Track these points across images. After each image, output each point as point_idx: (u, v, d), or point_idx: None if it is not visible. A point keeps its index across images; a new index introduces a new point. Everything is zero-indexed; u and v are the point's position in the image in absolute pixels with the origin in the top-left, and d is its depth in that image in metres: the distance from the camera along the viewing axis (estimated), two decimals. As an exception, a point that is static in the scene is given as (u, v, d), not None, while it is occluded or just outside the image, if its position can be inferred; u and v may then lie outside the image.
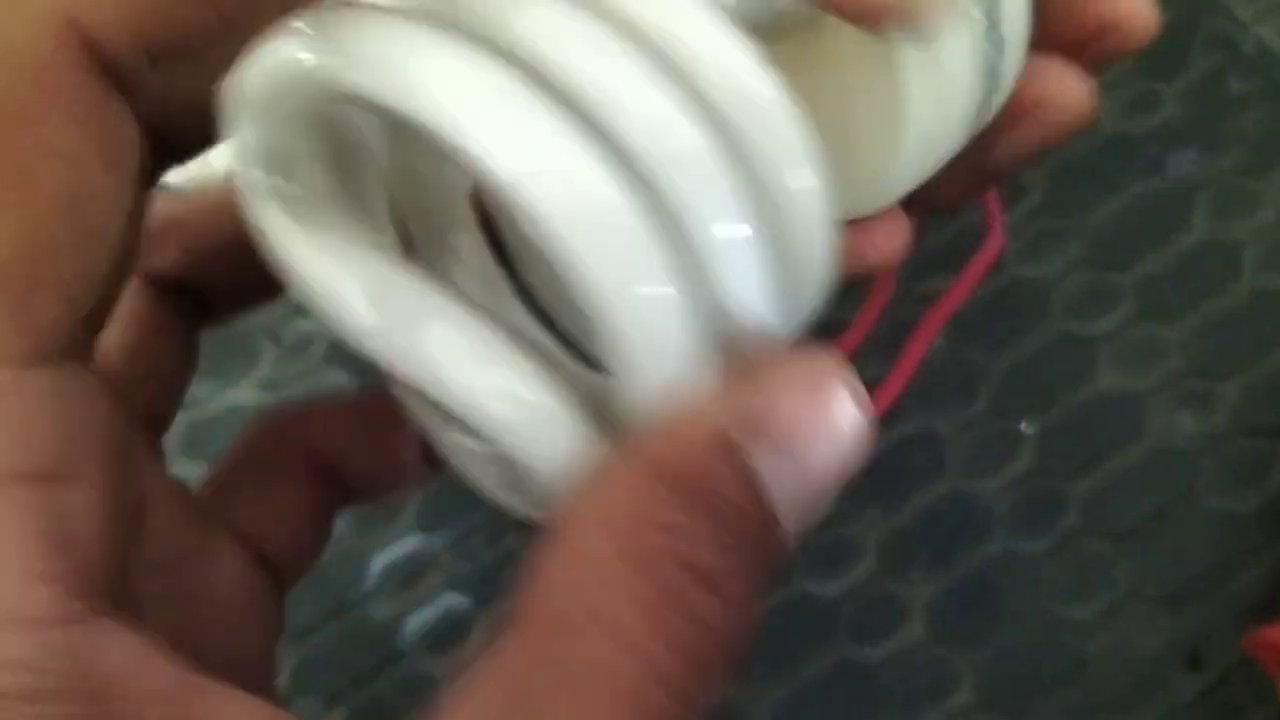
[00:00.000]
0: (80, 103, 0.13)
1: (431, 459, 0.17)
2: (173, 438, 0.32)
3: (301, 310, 0.32)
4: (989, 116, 0.17)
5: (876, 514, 0.29)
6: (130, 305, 0.17)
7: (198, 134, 0.14)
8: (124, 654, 0.12)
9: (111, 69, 0.13)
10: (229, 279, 0.18)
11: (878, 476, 0.29)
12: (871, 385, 0.29)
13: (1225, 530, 0.28)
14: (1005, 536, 0.29)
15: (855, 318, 0.31)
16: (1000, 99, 0.17)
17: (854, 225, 0.17)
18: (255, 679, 0.17)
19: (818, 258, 0.13)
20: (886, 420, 0.30)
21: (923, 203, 0.18)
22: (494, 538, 0.29)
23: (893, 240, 0.18)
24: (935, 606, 0.28)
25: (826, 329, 0.29)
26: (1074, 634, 0.28)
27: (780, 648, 0.28)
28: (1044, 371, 0.30)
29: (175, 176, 0.15)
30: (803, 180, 0.13)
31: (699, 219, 0.12)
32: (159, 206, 0.15)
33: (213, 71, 0.13)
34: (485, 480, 0.16)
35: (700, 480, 0.11)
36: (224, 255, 0.18)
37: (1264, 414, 0.29)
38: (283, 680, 0.28)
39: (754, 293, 0.12)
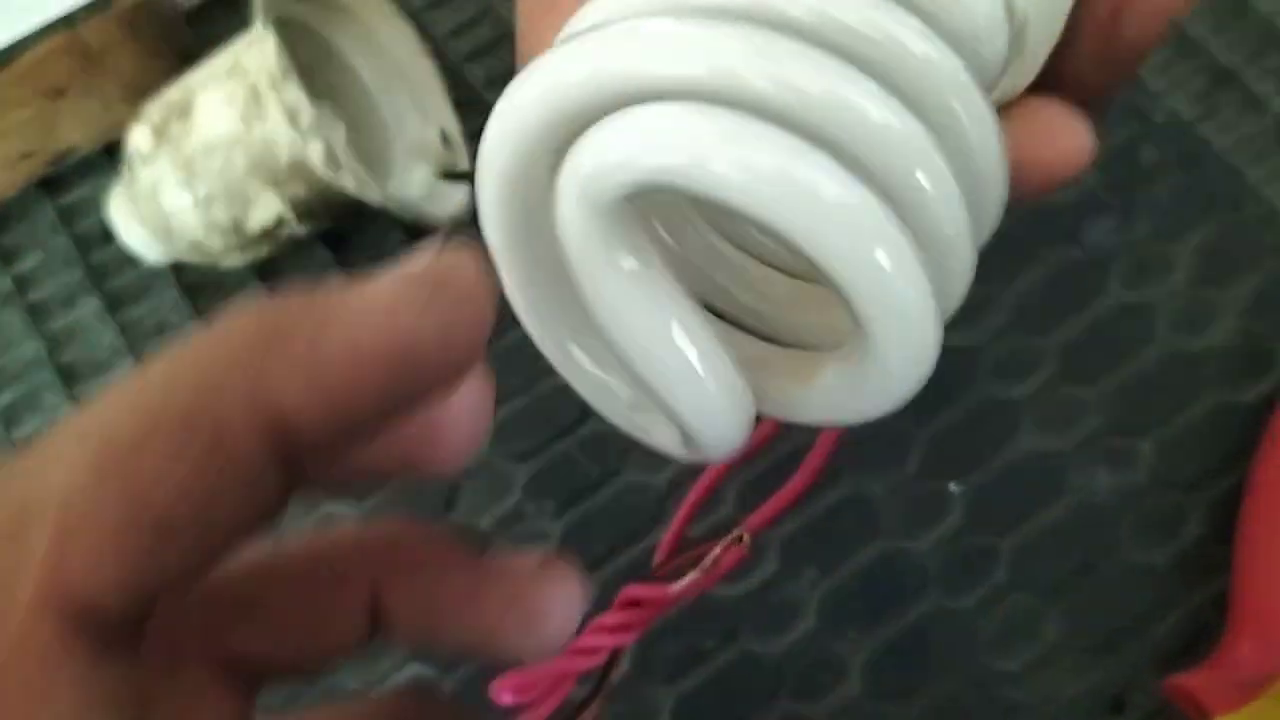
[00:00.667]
0: (81, 682, 0.12)
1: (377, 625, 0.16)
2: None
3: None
4: None
5: (815, 574, 0.31)
6: None
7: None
8: None
9: (107, 629, 0.12)
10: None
11: (816, 538, 0.31)
12: (802, 450, 0.31)
13: (1145, 581, 0.30)
14: (938, 593, 0.30)
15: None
16: None
17: (1027, 128, 0.17)
18: None
19: (998, 179, 0.15)
20: (821, 484, 0.31)
21: None
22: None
23: (1072, 138, 0.17)
24: (872, 662, 0.30)
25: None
26: (1004, 684, 0.29)
27: (725, 706, 0.30)
28: (971, 434, 0.32)
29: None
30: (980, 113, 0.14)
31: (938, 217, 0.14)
32: None
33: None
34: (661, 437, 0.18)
35: None
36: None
37: (1178, 469, 0.31)
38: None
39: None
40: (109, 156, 0.38)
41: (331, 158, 0.29)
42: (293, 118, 0.29)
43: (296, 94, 0.29)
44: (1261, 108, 0.34)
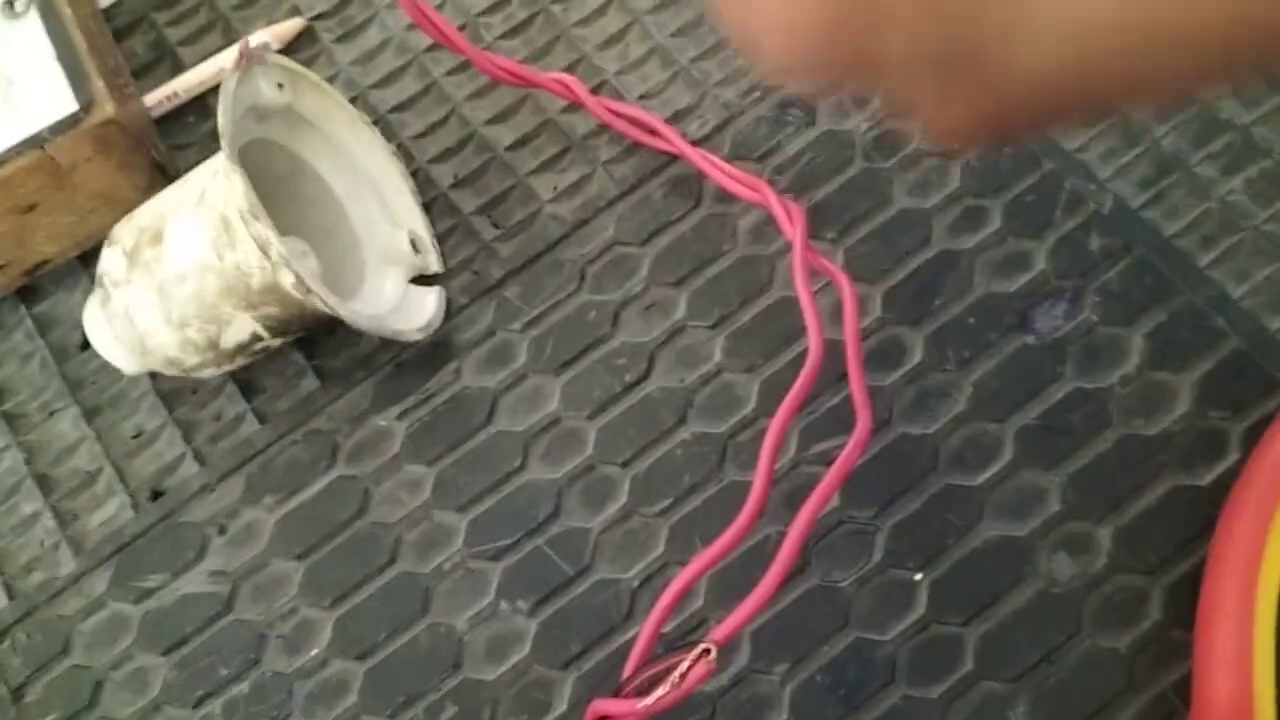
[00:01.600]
0: None
1: None
2: (128, 629, 0.34)
3: (247, 499, 0.35)
4: None
5: (786, 668, 0.31)
6: None
7: None
8: None
9: None
10: None
11: (786, 631, 0.32)
12: (772, 543, 0.31)
13: (1109, 668, 0.30)
14: (906, 683, 0.31)
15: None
16: None
17: None
18: None
19: None
20: (790, 575, 0.32)
21: None
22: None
23: None
24: (844, 755, 0.30)
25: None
26: (975, 774, 0.30)
27: (701, 804, 0.30)
28: (933, 522, 0.32)
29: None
30: None
31: None
32: None
33: None
34: None
35: None
36: None
37: (1138, 554, 0.31)
38: None
39: None
40: (83, 263, 0.39)
41: (302, 285, 0.30)
42: (264, 249, 0.30)
43: (265, 230, 0.29)
44: (1206, 193, 0.35)
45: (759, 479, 0.28)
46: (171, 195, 0.33)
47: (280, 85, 0.34)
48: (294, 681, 0.33)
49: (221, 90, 0.31)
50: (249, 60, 0.32)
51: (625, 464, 0.34)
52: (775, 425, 0.28)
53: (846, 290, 0.31)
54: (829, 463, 0.28)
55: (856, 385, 0.30)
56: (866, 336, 0.35)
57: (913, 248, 0.36)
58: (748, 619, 0.26)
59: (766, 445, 0.28)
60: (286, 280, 0.31)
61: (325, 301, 0.30)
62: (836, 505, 0.33)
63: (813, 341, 0.30)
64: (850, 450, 0.28)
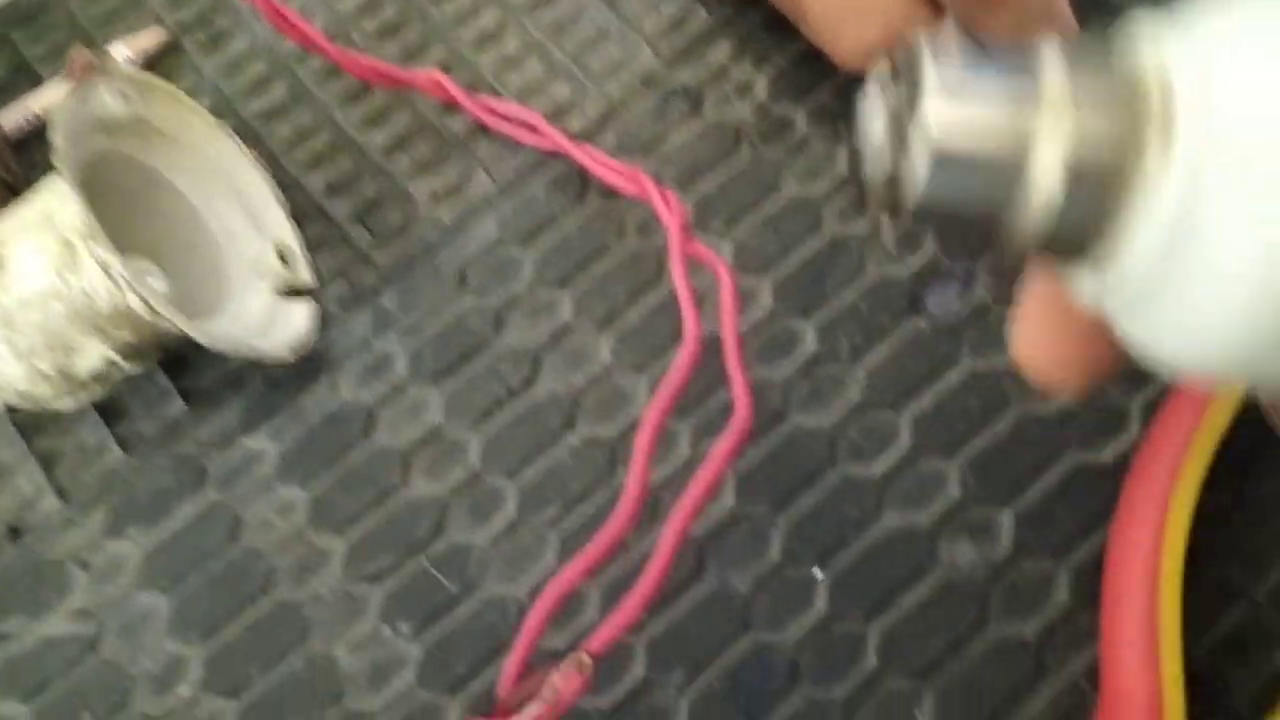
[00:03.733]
0: None
1: None
2: (-17, 679, 0.31)
3: (111, 531, 0.33)
4: None
5: (683, 677, 0.30)
6: None
7: None
8: None
9: None
10: None
11: (682, 639, 0.30)
12: (645, 555, 0.30)
13: (1017, 656, 0.29)
14: (809, 685, 0.29)
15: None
16: None
17: None
18: None
19: None
20: (685, 581, 0.31)
21: None
22: None
23: None
24: (748, 765, 0.29)
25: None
26: (884, 777, 0.28)
27: (598, 827, 0.29)
28: (831, 516, 0.31)
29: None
30: None
31: None
32: None
33: None
34: None
35: None
36: None
37: (1042, 537, 0.30)
38: None
39: None
40: (-63, 293, 0.37)
41: (149, 308, 0.28)
42: (106, 271, 0.28)
43: (105, 253, 0.28)
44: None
45: (633, 480, 0.26)
46: (13, 218, 0.31)
47: (126, 96, 0.32)
48: (164, 724, 0.30)
49: (55, 105, 0.29)
50: (84, 73, 0.30)
51: (512, 473, 0.32)
52: (648, 424, 0.27)
53: (724, 279, 0.30)
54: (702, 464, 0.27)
55: (736, 377, 0.28)
56: (757, 328, 0.33)
57: (803, 236, 0.35)
58: (625, 626, 0.25)
59: (639, 445, 0.27)
60: (135, 303, 0.29)
61: (178, 323, 0.29)
62: (731, 504, 0.31)
63: (689, 334, 0.29)
64: (727, 443, 0.26)
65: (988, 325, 0.33)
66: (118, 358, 0.31)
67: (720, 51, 0.37)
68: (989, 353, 0.32)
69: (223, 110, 0.38)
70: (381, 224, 0.36)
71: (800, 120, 0.36)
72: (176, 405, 0.34)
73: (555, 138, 0.35)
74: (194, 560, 0.32)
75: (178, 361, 0.35)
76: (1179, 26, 0.15)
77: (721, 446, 0.26)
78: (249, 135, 0.37)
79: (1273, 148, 0.13)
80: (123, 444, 0.34)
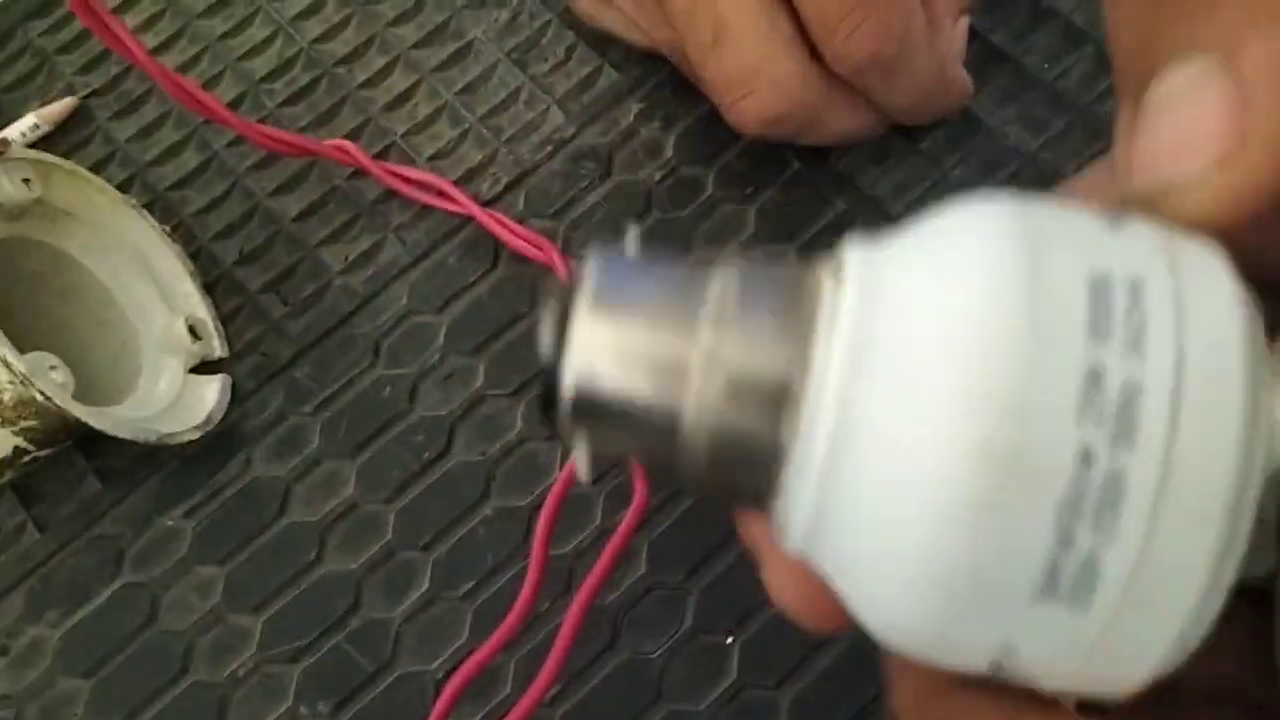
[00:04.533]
0: None
1: None
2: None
3: (29, 616, 0.33)
4: None
5: (598, 749, 0.30)
6: None
7: None
8: None
9: None
10: None
11: (598, 711, 0.30)
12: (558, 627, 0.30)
13: None
14: (722, 753, 0.30)
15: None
16: None
17: None
18: None
19: None
20: (602, 652, 0.31)
21: None
22: None
23: None
24: (662, 835, 0.29)
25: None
26: (795, 843, 0.29)
27: None
28: (743, 581, 0.31)
29: None
30: None
31: None
32: None
33: None
34: None
35: None
36: None
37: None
38: None
39: None
40: None
41: (50, 402, 0.28)
42: (9, 366, 0.28)
43: (5, 349, 0.28)
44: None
45: (535, 554, 0.27)
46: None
47: (27, 180, 0.32)
48: (84, 811, 0.31)
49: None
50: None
51: (426, 546, 0.32)
52: (552, 497, 0.27)
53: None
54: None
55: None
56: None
57: (713, 296, 0.35)
58: (537, 701, 0.25)
59: (542, 519, 0.27)
60: (37, 394, 0.29)
61: (77, 414, 0.29)
62: (644, 572, 0.32)
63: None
64: (628, 520, 0.27)
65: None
66: (27, 445, 0.31)
67: (629, 112, 0.37)
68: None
69: (134, 179, 0.38)
70: (295, 293, 0.36)
71: (709, 181, 0.36)
72: (92, 484, 0.34)
73: (465, 203, 0.35)
74: (112, 643, 0.32)
75: (91, 441, 0.34)
76: (863, 247, 0.14)
77: (623, 526, 0.27)
78: (160, 204, 0.37)
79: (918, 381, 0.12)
80: (39, 525, 0.34)
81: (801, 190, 0.36)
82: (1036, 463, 0.12)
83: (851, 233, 0.14)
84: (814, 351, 0.13)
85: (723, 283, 0.13)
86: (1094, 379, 0.12)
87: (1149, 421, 0.12)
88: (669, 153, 0.37)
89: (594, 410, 0.13)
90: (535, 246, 0.34)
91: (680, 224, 0.36)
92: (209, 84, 0.40)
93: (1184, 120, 0.14)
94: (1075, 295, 0.12)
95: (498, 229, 0.35)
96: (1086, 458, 0.12)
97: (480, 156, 0.37)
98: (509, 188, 0.37)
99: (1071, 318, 0.12)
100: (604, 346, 0.13)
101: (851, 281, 0.13)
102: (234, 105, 0.39)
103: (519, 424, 0.34)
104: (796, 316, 0.13)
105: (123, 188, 0.37)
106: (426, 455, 0.34)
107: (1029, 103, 0.35)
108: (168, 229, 0.36)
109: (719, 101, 0.33)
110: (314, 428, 0.34)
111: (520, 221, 0.35)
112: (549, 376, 0.13)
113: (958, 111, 0.35)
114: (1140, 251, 0.13)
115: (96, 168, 0.38)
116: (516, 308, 0.35)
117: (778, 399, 0.13)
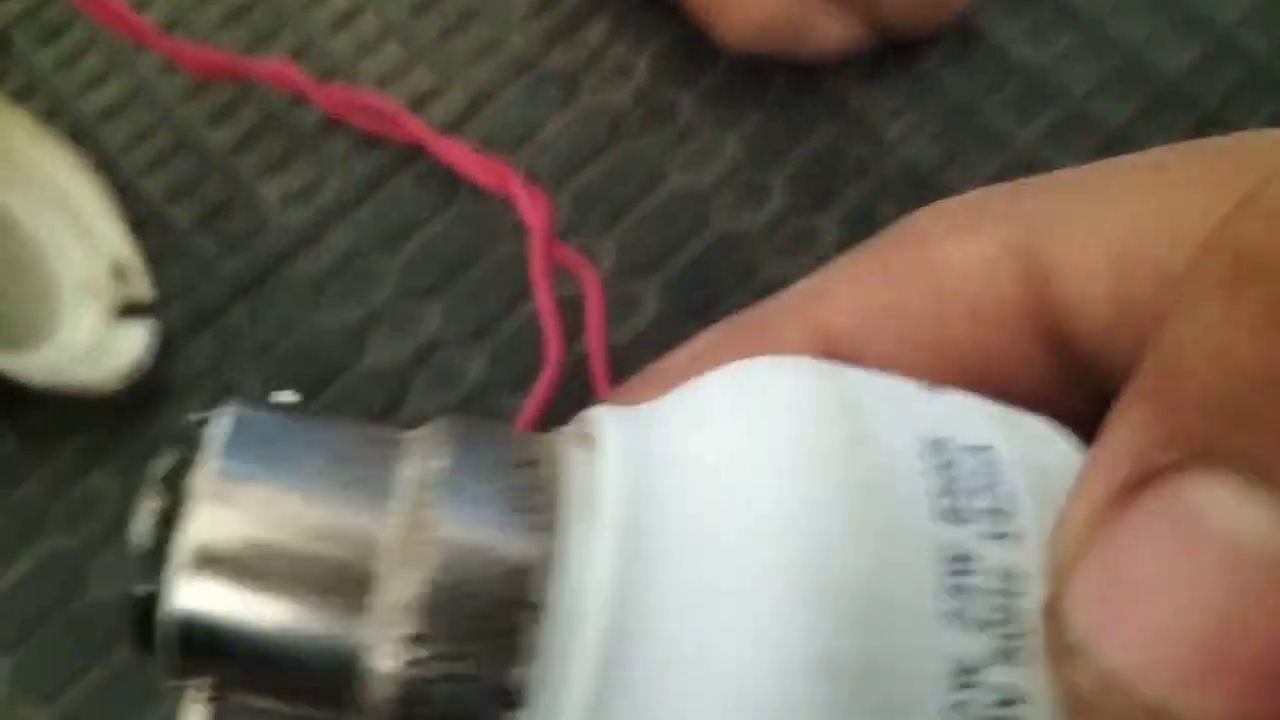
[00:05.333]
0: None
1: None
2: None
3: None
4: None
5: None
6: None
7: None
8: None
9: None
10: None
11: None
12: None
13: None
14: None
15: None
16: None
17: None
18: None
19: None
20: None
21: None
22: None
23: None
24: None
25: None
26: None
27: None
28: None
29: None
30: None
31: None
32: None
33: None
34: None
35: None
36: None
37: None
38: None
39: None
40: None
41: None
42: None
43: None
44: (1003, 144, 0.32)
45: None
46: None
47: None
48: (2, 799, 0.28)
49: None
50: None
51: (375, 507, 0.30)
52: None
53: (593, 288, 0.27)
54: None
55: (603, 396, 0.26)
56: (642, 338, 0.31)
57: (690, 232, 0.32)
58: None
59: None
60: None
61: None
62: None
63: (551, 350, 0.26)
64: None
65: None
66: (-70, 399, 0.28)
67: (597, 31, 0.34)
68: (889, 356, 0.30)
69: (56, 110, 0.35)
70: (227, 232, 0.33)
71: (685, 105, 0.33)
72: (9, 444, 0.31)
73: (417, 130, 0.32)
74: (35, 616, 0.30)
75: (8, 398, 0.31)
76: (613, 411, 0.11)
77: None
78: (84, 137, 0.34)
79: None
80: (-49, 489, 0.31)
81: (787, 113, 0.32)
82: (894, 677, 0.09)
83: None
84: (565, 547, 0.09)
85: (423, 455, 0.10)
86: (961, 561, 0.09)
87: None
88: (641, 75, 0.34)
89: (219, 648, 0.10)
90: (494, 178, 0.31)
91: (653, 152, 0.33)
92: (138, 6, 0.36)
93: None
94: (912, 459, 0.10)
95: (453, 158, 0.32)
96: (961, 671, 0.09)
97: (432, 81, 0.34)
98: (464, 115, 0.34)
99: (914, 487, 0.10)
100: (236, 549, 0.09)
101: (612, 450, 0.10)
102: (166, 30, 0.36)
103: (478, 374, 0.31)
104: (535, 500, 0.10)
105: (43, 120, 0.34)
106: (376, 410, 0.31)
107: (1037, 13, 0.32)
108: (91, 163, 0.33)
109: (701, 10, 0.30)
110: (250, 379, 0.31)
111: (478, 151, 0.32)
112: (143, 597, 0.10)
113: (958, 23, 0.32)
114: (974, 415, 0.11)
115: (16, 98, 0.35)
116: (474, 246, 0.32)
117: (510, 619, 0.09)
